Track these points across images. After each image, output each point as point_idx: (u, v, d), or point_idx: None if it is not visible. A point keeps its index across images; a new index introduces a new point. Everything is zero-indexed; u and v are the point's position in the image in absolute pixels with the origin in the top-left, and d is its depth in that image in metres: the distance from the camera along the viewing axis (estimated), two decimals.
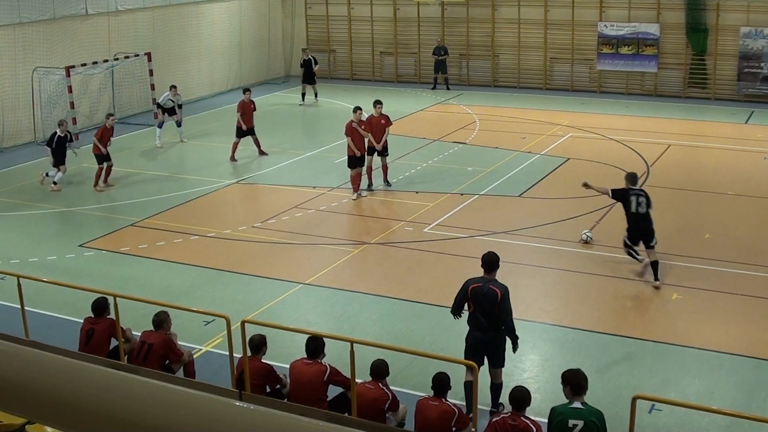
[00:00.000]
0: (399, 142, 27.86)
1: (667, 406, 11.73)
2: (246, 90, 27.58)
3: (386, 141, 22.94)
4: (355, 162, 22.47)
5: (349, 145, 22.41)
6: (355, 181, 22.49)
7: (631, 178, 17.32)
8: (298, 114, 33.68)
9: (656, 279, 16.48)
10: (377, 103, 23.23)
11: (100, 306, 12.51)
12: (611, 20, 35.45)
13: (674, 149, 26.63)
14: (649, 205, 16.84)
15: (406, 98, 34.65)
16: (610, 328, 14.87)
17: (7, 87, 28.91)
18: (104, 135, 23.92)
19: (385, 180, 23.34)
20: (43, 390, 2.77)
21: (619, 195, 17.13)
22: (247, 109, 26.58)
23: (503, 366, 12.13)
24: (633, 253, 17.13)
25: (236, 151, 26.53)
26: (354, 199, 22.25)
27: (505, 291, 11.89)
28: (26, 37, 29.44)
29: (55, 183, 23.74)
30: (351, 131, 22.41)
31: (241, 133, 26.50)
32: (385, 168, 23.29)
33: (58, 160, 23.85)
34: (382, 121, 22.90)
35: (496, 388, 12.06)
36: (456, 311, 12.41)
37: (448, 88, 37.44)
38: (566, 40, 36.43)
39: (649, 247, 16.81)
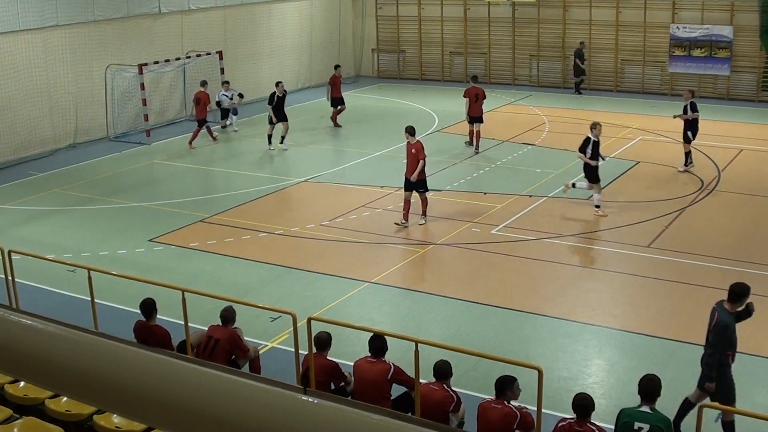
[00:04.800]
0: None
1: (734, 415, 11.53)
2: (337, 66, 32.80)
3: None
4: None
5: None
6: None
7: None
8: (367, 114, 33.73)
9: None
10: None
11: (150, 307, 12.45)
12: (684, 22, 34.98)
13: (746, 154, 26.21)
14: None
15: None
16: (677, 335, 14.66)
17: (81, 83, 29.39)
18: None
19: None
20: (112, 379, 2.82)
21: None
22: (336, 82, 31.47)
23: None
24: None
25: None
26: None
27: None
28: (100, 35, 29.88)
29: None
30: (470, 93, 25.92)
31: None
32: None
33: (279, 117, 27.53)
34: (413, 151, 20.45)
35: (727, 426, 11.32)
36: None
37: (578, 92, 36.68)
38: (638, 41, 36.04)
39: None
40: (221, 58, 32.61)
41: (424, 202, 20.58)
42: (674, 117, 24.59)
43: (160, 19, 32.08)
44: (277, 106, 27.57)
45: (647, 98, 35.30)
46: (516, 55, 38.71)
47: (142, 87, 29.52)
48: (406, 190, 20.46)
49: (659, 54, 35.76)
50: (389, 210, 21.49)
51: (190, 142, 28.70)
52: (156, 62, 30.48)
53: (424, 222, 20.49)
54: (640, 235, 19.34)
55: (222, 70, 32.56)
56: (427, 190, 20.58)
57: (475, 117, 27.01)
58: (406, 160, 20.51)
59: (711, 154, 25.83)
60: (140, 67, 29.34)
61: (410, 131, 20.56)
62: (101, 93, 29.89)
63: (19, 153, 27.56)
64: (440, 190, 22.82)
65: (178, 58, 31.74)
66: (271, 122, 27.87)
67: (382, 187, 23.35)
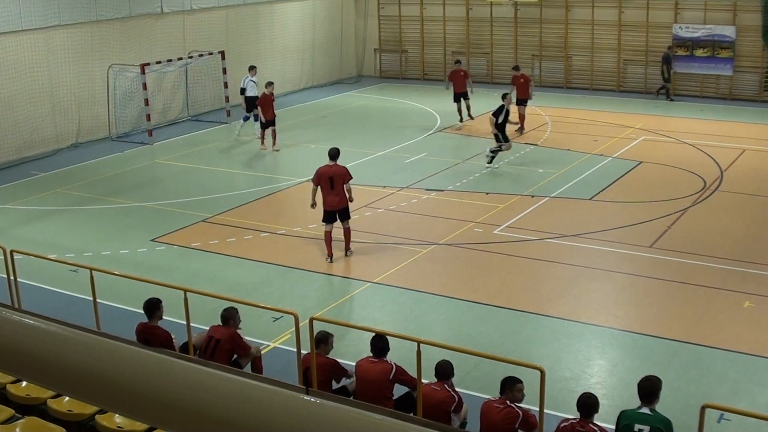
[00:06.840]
0: (470, 142, 27.93)
1: (736, 416, 11.52)
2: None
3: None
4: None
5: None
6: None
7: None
8: (369, 114, 33.75)
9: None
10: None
11: (153, 306, 12.41)
12: (686, 22, 34.93)
13: (749, 154, 26.17)
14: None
15: (478, 99, 34.42)
16: (679, 335, 14.65)
17: (83, 83, 29.40)
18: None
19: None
20: (113, 379, 2.82)
21: None
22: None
23: None
24: None
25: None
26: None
27: None
28: (102, 35, 29.90)
29: None
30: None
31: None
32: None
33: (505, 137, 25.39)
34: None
35: None
36: None
37: (669, 99, 34.99)
38: (640, 41, 36.01)
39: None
40: (223, 58, 32.62)
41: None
42: None
43: (162, 19, 32.09)
44: (504, 121, 25.12)
45: (650, 98, 35.24)
46: (518, 54, 38.66)
47: (145, 87, 29.51)
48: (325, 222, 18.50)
49: (662, 54, 35.70)
50: (391, 210, 21.49)
51: (263, 143, 28.04)
52: (158, 62, 30.48)
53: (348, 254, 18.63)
54: (642, 236, 19.32)
55: (224, 70, 32.59)
56: (347, 218, 18.57)
57: (523, 99, 29.66)
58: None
59: (713, 154, 25.82)
60: (142, 67, 29.34)
61: (331, 155, 18.45)
62: (103, 93, 29.90)
63: (21, 153, 27.57)
64: (442, 190, 22.82)
65: (180, 58, 31.75)
66: (498, 140, 25.05)
67: (385, 187, 23.34)
